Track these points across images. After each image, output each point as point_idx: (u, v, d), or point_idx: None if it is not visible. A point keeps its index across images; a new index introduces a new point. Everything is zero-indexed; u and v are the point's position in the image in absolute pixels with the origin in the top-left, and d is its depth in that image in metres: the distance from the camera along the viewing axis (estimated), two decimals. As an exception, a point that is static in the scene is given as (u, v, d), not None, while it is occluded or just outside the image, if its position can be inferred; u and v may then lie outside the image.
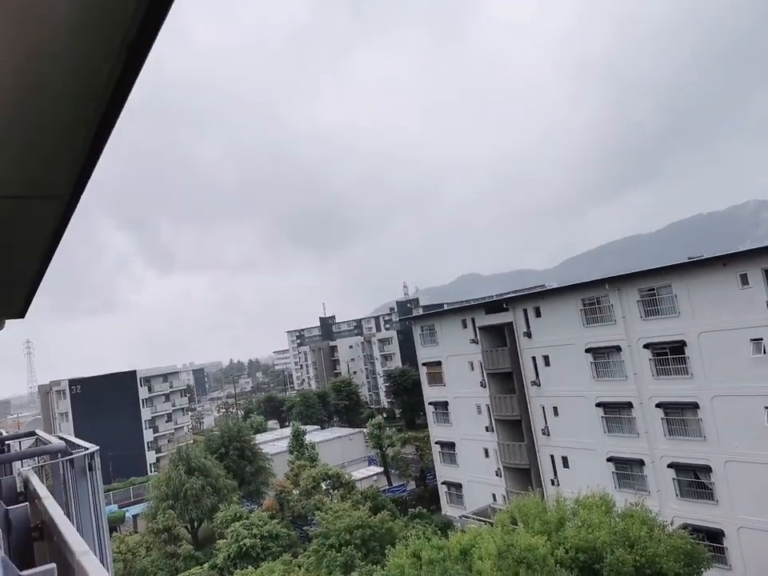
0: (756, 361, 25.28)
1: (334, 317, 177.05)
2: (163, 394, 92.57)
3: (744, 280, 25.71)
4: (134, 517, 51.44)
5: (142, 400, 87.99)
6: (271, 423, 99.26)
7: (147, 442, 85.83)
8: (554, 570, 16.00)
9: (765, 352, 25.01)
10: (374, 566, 22.76)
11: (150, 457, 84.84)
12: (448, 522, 38.65)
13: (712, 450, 27.09)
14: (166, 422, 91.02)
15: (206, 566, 31.94)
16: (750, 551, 25.81)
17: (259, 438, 65.72)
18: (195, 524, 43.46)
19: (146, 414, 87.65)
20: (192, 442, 62.05)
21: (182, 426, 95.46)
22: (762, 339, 25.13)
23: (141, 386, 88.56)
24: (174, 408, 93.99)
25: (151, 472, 75.73)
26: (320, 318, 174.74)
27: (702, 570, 18.02)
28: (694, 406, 27.77)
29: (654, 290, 29.54)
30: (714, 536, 26.72)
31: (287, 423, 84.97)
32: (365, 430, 61.35)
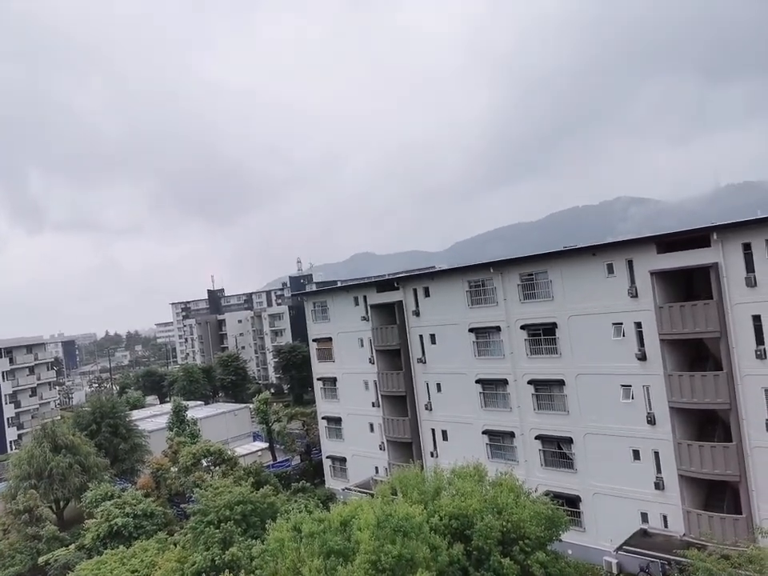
0: (616, 343, 27.88)
1: (222, 290, 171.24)
2: (27, 367, 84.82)
3: (610, 269, 28.13)
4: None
5: (2, 372, 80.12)
6: (150, 399, 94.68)
7: (8, 418, 78.67)
8: (429, 536, 16.79)
9: (624, 335, 27.64)
10: (254, 541, 22.56)
11: (11, 433, 77.95)
12: (331, 495, 39.24)
13: (574, 423, 29.66)
14: (30, 396, 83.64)
15: (72, 546, 29.98)
16: (602, 514, 28.74)
17: (136, 414, 62.46)
18: (61, 504, 40.59)
19: (6, 387, 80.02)
20: (59, 418, 57.50)
21: (49, 401, 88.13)
22: (622, 324, 27.72)
23: (1, 357, 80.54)
24: (40, 382, 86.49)
25: (12, 450, 69.51)
26: (208, 290, 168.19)
27: (561, 532, 19.73)
28: (561, 383, 30.17)
29: (532, 275, 31.50)
30: (572, 501, 29.41)
31: (168, 399, 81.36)
32: (251, 406, 60.36)
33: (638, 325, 27.15)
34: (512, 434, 32.32)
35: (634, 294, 27.12)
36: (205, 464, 40.45)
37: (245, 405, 67.80)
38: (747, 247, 24.00)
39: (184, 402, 56.35)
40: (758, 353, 23.60)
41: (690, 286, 27.31)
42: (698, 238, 25.39)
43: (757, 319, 23.75)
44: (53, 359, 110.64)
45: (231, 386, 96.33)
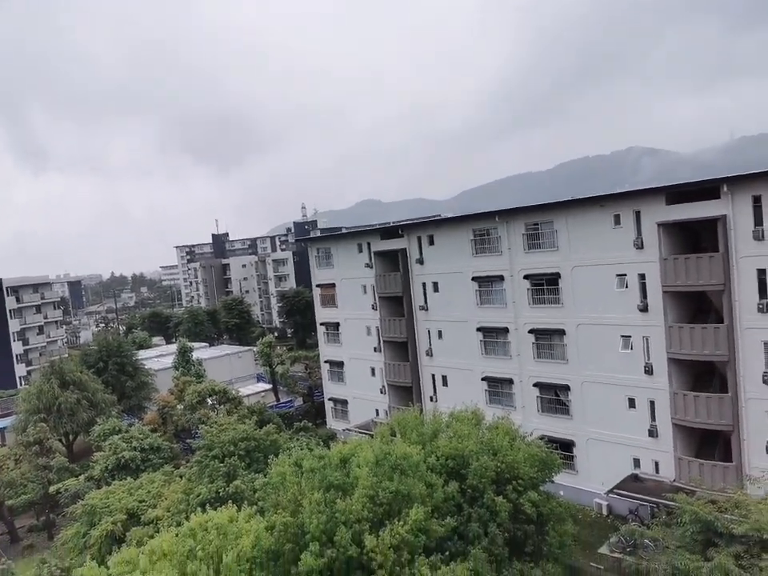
0: (619, 294, 27.90)
1: (227, 234, 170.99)
2: (34, 305, 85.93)
3: (617, 220, 27.82)
4: (2, 430, 48.52)
5: (10, 311, 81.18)
6: (156, 339, 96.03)
7: (16, 355, 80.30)
8: (426, 474, 17.34)
9: (627, 287, 27.63)
10: (257, 475, 23.38)
11: (20, 370, 79.70)
12: (332, 435, 40.36)
13: (572, 372, 30.09)
14: (38, 334, 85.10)
15: (81, 477, 31.13)
16: (595, 459, 29.56)
17: (142, 353, 63.64)
18: (70, 437, 41.89)
19: (14, 325, 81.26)
20: (67, 356, 58.61)
21: (56, 340, 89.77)
22: (626, 275, 27.66)
23: (8, 295, 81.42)
24: (47, 320, 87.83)
25: (21, 385, 71.26)
26: (213, 234, 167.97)
27: (553, 474, 20.35)
28: (561, 333, 30.41)
29: (538, 224, 31.21)
30: (566, 446, 30.19)
31: (174, 340, 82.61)
32: (255, 349, 61.28)
33: (642, 276, 27.08)
34: (510, 381, 32.86)
35: (639, 246, 26.92)
36: (210, 402, 41.50)
37: (248, 347, 68.81)
38: (757, 200, 23.61)
39: (189, 343, 57.25)
40: (761, 306, 23.61)
41: (697, 239, 27.05)
42: (707, 190, 24.96)
43: (762, 273, 23.64)
44: (59, 299, 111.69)
45: (235, 329, 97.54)
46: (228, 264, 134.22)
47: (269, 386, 56.35)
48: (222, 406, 40.50)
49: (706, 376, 26.91)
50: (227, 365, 61.20)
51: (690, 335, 25.38)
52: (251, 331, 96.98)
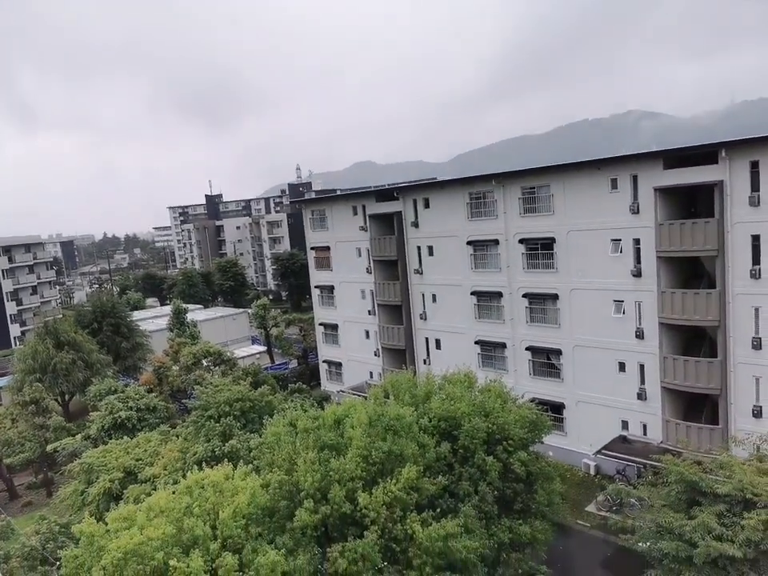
0: (613, 259, 27.92)
1: (221, 195, 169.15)
2: (27, 265, 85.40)
3: (614, 184, 27.62)
4: (-2, 390, 48.85)
5: (2, 270, 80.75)
6: (150, 301, 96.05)
7: (10, 315, 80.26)
8: (418, 435, 17.62)
9: (621, 252, 27.63)
10: (252, 435, 23.72)
11: (14, 330, 79.84)
12: (326, 396, 40.87)
13: (565, 336, 30.37)
14: (31, 294, 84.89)
15: (78, 436, 31.52)
16: (584, 421, 30.13)
17: (137, 314, 63.68)
18: (66, 397, 42.26)
19: (6, 285, 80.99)
20: (61, 316, 58.58)
21: (50, 300, 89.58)
22: (621, 240, 27.63)
23: (0, 255, 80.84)
24: (40, 281, 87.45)
25: (16, 345, 71.45)
26: (206, 195, 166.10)
27: (543, 435, 20.74)
28: (555, 297, 30.55)
29: (534, 188, 30.96)
30: (557, 408, 30.73)
31: (168, 302, 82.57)
32: (250, 311, 61.39)
33: (637, 242, 27.07)
34: (503, 345, 33.17)
35: (635, 211, 26.82)
36: (205, 364, 41.76)
37: (243, 310, 68.90)
38: (755, 165, 23.44)
39: (184, 305, 57.25)
40: (753, 272, 23.72)
41: (692, 205, 26.95)
42: (705, 155, 24.74)
43: (756, 239, 23.67)
44: (51, 259, 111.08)
45: (230, 291, 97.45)
46: (222, 225, 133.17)
47: (263, 348, 56.73)
48: (216, 368, 40.82)
49: (696, 341, 27.23)
50: (222, 327, 61.42)
51: (683, 300, 25.56)
52: (246, 294, 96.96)
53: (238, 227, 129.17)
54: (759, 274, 23.58)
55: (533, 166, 31.50)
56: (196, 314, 62.95)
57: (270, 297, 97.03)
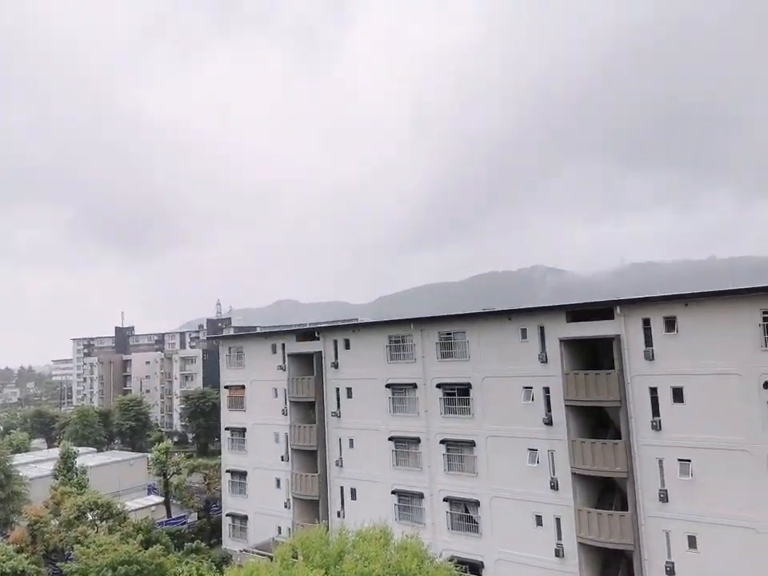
0: (526, 407, 28.58)
1: (132, 328, 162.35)
2: None
3: (524, 334, 29.16)
4: None
5: None
6: (37, 442, 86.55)
7: None
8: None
9: (533, 399, 28.42)
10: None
11: None
12: (227, 557, 36.82)
13: (482, 486, 29.73)
14: None
15: None
16: (504, 579, 28.55)
17: (19, 458, 56.75)
18: None
19: None
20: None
21: None
22: (532, 388, 28.55)
23: None
24: None
25: None
26: (116, 327, 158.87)
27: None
28: (472, 444, 30.35)
29: (451, 334, 32.06)
30: (475, 568, 29.08)
31: (57, 443, 74.71)
32: (149, 455, 56.40)
33: (547, 390, 28.05)
34: (421, 495, 31.90)
35: (544, 360, 28.13)
36: (90, 518, 36.98)
37: (142, 454, 63.41)
38: (647, 322, 25.68)
39: (74, 448, 51.91)
40: (654, 424, 24.89)
41: (596, 356, 28.71)
42: (603, 310, 26.94)
43: (653, 391, 25.18)
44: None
45: (130, 432, 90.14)
46: (130, 360, 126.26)
47: (161, 499, 51.36)
48: (103, 523, 36.20)
49: (609, 492, 27.44)
50: (116, 474, 55.61)
51: (592, 450, 26.10)
52: (148, 435, 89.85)
53: (147, 362, 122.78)
54: (660, 426, 24.77)
55: (449, 313, 32.91)
56: (88, 458, 57.00)
57: (175, 439, 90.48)
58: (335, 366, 36.56)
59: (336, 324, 49.70)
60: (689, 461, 24.02)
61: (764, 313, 22.99)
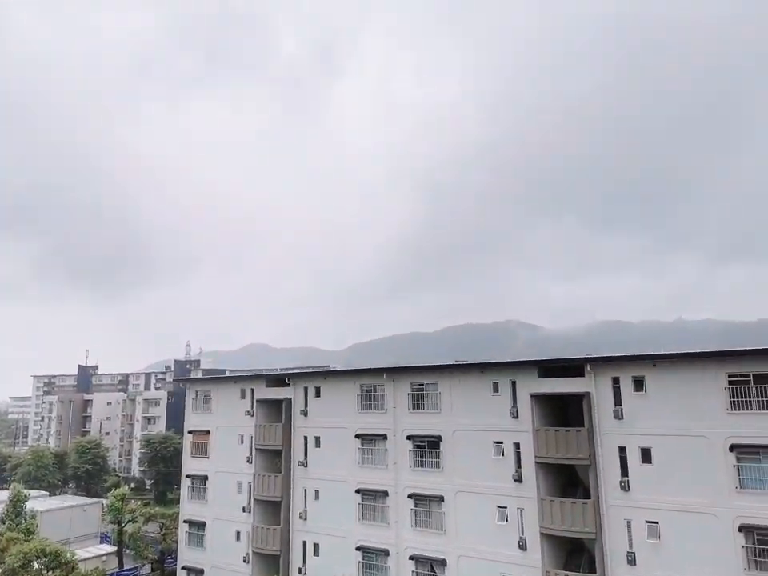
0: (496, 462, 28.25)
1: (96, 367, 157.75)
2: None
3: (495, 388, 29.15)
4: None
5: None
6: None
7: None
8: None
9: (503, 455, 28.14)
10: None
11: None
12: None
13: (449, 544, 28.95)
14: None
15: None
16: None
17: (-38, 501, 53.44)
18: None
19: None
20: None
21: None
22: (503, 443, 28.32)
23: None
24: None
25: None
26: (79, 365, 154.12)
27: None
28: (440, 500, 29.72)
29: (423, 385, 31.88)
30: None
31: (7, 486, 70.87)
32: (104, 501, 53.78)
33: (517, 446, 27.86)
34: (387, 553, 30.89)
35: (515, 415, 28.06)
36: (37, 566, 34.80)
37: (97, 500, 60.34)
38: (616, 381, 25.96)
39: (25, 491, 49.26)
40: (623, 484, 24.81)
41: (567, 413, 28.76)
42: (575, 367, 27.19)
43: (622, 450, 25.21)
44: None
45: (86, 476, 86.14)
46: (91, 400, 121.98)
47: (113, 549, 48.71)
48: (50, 573, 34.02)
49: (577, 553, 26.98)
50: (68, 519, 52.66)
51: (561, 509, 25.79)
52: (104, 480, 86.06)
53: (109, 403, 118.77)
54: (628, 486, 24.69)
55: (423, 364, 32.82)
56: (39, 502, 54.00)
57: (133, 485, 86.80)
58: (304, 413, 35.87)
59: (307, 371, 49.11)
60: (656, 523, 23.91)
61: (729, 376, 23.49)
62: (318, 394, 35.79)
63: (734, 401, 23.20)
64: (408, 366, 33.41)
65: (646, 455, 24.61)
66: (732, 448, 22.81)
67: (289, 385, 37.13)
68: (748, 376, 23.14)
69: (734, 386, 23.30)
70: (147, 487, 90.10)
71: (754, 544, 22.11)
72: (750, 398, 22.97)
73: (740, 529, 22.24)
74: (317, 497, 34.36)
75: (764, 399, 22.69)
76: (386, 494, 31.56)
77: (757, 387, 22.86)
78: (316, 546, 33.73)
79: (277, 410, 37.27)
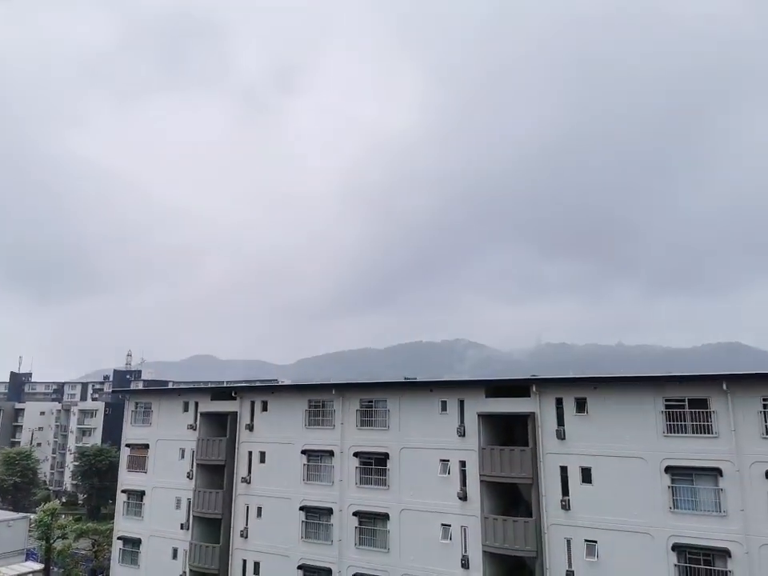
0: (442, 480, 28.39)
1: (30, 374, 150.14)
2: None
3: (444, 406, 29.39)
4: None
5: None
6: None
7: None
8: None
9: (449, 473, 28.32)
10: None
11: None
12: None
13: (393, 563, 28.75)
14: None
15: None
16: None
17: None
18: None
19: None
20: None
21: None
22: (449, 461, 28.51)
23: None
24: None
25: None
26: (12, 372, 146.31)
27: None
28: (385, 517, 29.57)
29: (372, 402, 31.80)
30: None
31: None
32: (33, 516, 50.88)
33: (463, 464, 28.09)
34: (329, 572, 30.41)
35: (462, 434, 28.34)
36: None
37: (25, 515, 56.88)
38: (560, 402, 26.63)
39: (-57, 506, 46.07)
40: (563, 503, 25.37)
41: (512, 432, 29.26)
42: (520, 387, 27.76)
43: (564, 470, 25.81)
44: None
45: (13, 489, 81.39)
46: (22, 409, 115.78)
47: (40, 567, 46.02)
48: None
49: (518, 571, 27.31)
50: (-10, 536, 49.44)
51: (503, 528, 26.10)
52: (33, 493, 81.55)
53: (42, 413, 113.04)
54: (569, 506, 25.26)
55: (372, 380, 32.77)
56: (-42, 517, 50.55)
57: (64, 499, 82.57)
58: (250, 428, 35.12)
59: (255, 384, 48.26)
60: (595, 542, 24.50)
61: (666, 400, 24.49)
62: (265, 408, 35.14)
63: (669, 424, 24.19)
64: (358, 382, 33.35)
65: (586, 475, 25.27)
66: (667, 469, 23.72)
67: (235, 398, 36.31)
68: (683, 400, 24.20)
69: (670, 410, 24.31)
70: (80, 502, 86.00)
71: (685, 562, 22.96)
72: (684, 421, 24.01)
73: (673, 548, 23.09)
74: (259, 514, 33.56)
75: (698, 423, 23.76)
76: (330, 511, 31.15)
77: (691, 412, 23.92)
78: (257, 565, 32.87)
79: (221, 424, 36.35)
